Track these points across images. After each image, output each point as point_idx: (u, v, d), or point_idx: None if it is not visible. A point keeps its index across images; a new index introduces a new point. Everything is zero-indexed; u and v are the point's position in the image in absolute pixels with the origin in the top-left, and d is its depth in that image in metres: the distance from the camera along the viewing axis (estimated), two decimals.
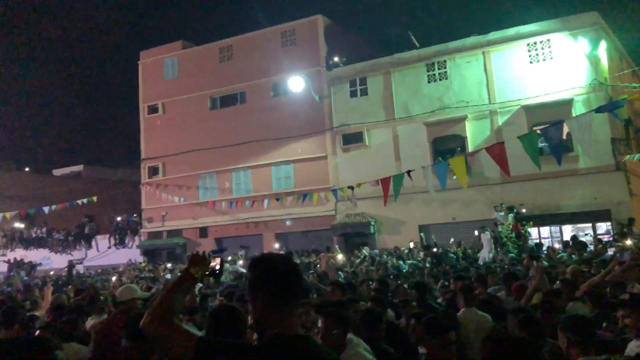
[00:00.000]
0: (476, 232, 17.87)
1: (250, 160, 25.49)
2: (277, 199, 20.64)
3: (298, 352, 1.86)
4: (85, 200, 24.46)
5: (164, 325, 1.95)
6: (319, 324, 3.57)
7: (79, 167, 41.23)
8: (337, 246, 19.67)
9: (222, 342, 1.98)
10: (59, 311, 6.17)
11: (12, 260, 27.42)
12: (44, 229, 31.16)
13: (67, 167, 41.84)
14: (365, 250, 19.04)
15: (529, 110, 19.74)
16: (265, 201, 21.29)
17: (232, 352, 1.84)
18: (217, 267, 2.23)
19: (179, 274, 2.21)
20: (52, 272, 24.39)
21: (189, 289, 2.22)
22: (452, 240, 18.60)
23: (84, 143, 65.40)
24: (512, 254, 15.26)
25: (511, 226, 17.18)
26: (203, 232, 26.82)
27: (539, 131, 10.26)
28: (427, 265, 13.98)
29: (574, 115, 16.69)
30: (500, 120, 20.67)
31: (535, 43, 20.40)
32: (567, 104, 18.96)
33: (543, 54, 20.28)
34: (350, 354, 3.42)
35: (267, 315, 1.93)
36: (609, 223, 18.42)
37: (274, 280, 1.93)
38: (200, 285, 11.33)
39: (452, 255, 15.85)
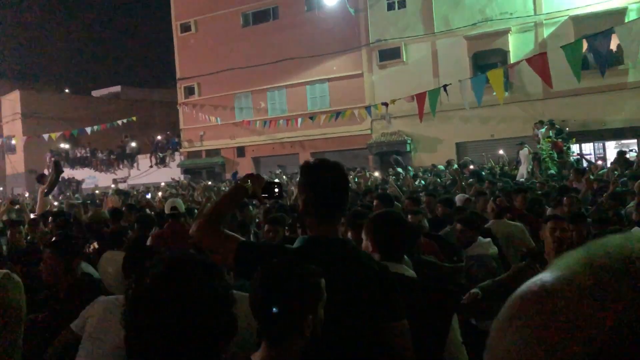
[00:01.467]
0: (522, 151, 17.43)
1: (285, 79, 25.20)
2: (311, 118, 20.58)
3: (335, 253, 1.90)
4: (125, 121, 25.08)
5: (210, 233, 2.00)
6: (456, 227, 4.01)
7: (117, 88, 41.72)
8: (371, 165, 19.69)
9: (262, 244, 2.02)
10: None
11: (60, 180, 28.63)
12: (88, 149, 32.23)
13: (106, 88, 42.42)
14: (400, 169, 19.00)
15: (578, 21, 18.56)
16: (299, 120, 21.28)
17: (272, 253, 1.87)
18: (276, 189, 2.23)
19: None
20: (97, 191, 25.37)
21: (239, 201, 2.27)
22: (488, 156, 18.24)
23: (120, 64, 65.75)
24: (551, 171, 14.99)
25: (552, 143, 16.71)
26: (240, 151, 27.21)
27: (585, 41, 9.73)
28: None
29: None
30: (545, 32, 19.58)
31: None
32: (620, 13, 17.71)
33: None
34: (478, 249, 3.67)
35: (310, 219, 1.99)
36: None
37: (315, 187, 1.96)
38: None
39: (488, 171, 15.62)
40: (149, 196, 15.43)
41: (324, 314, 1.68)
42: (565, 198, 6.18)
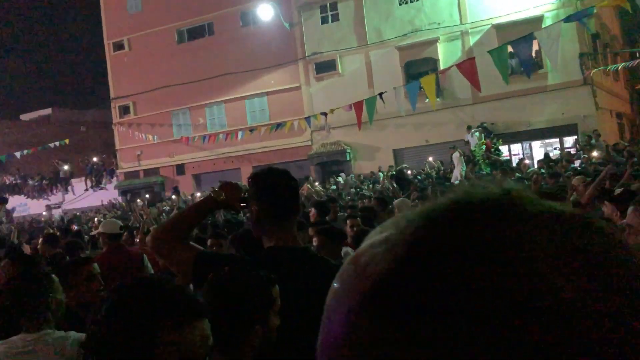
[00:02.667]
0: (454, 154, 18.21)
1: (223, 94, 25.14)
2: (251, 131, 20.64)
3: (294, 262, 1.89)
4: (57, 144, 24.12)
5: (167, 242, 1.97)
6: (314, 242, 3.65)
7: (47, 111, 40.11)
8: (310, 177, 19.96)
9: (219, 254, 2.01)
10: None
11: None
12: (17, 176, 30.77)
13: (35, 111, 40.71)
14: (342, 178, 19.39)
15: (500, 29, 19.66)
16: (240, 133, 21.26)
17: (229, 264, 1.84)
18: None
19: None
20: (29, 219, 24.32)
21: (207, 213, 2.19)
22: (424, 161, 18.90)
23: (50, 86, 63.31)
24: (484, 172, 15.75)
25: (484, 145, 17.59)
26: (180, 169, 26.81)
27: (509, 46, 10.39)
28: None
29: None
30: (471, 40, 20.62)
31: None
32: (538, 20, 18.90)
33: None
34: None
35: (264, 227, 1.97)
36: (575, 137, 18.96)
37: (269, 194, 1.95)
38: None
39: (422, 177, 16.21)
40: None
41: (283, 321, 1.67)
42: None
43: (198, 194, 20.61)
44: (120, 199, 26.46)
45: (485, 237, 0.35)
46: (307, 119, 18.51)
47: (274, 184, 1.96)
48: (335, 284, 0.40)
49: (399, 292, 0.34)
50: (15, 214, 27.77)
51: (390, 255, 0.36)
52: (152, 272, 4.89)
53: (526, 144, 20.64)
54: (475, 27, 20.54)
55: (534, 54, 16.39)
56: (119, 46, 27.81)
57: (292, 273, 1.83)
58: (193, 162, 26.25)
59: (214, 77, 24.81)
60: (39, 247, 6.44)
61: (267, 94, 24.48)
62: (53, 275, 2.48)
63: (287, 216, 1.96)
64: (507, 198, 0.38)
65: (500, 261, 0.34)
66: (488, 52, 10.01)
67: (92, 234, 6.30)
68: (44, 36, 66.35)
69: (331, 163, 22.89)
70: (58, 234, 8.58)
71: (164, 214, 13.90)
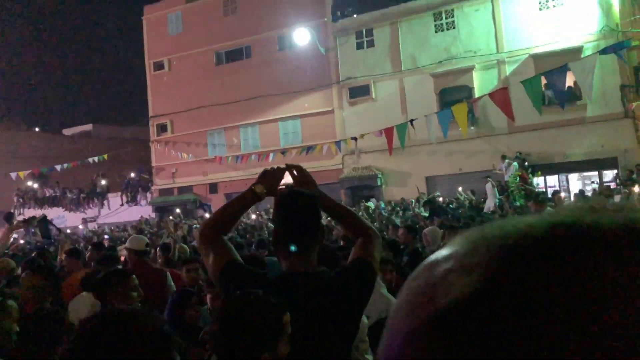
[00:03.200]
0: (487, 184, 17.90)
1: (257, 115, 25.49)
2: (282, 153, 20.79)
3: (307, 289, 1.87)
4: (96, 159, 24.85)
5: (210, 238, 1.98)
6: None
7: (88, 126, 41.46)
8: (344, 200, 19.91)
9: (246, 268, 1.98)
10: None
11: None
12: (57, 188, 31.71)
13: (77, 126, 42.12)
14: (372, 203, 19.25)
15: (538, 58, 19.40)
16: (271, 155, 21.46)
17: (249, 279, 1.89)
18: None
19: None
20: (68, 230, 24.88)
21: (248, 206, 2.19)
22: (459, 189, 18.60)
23: (92, 102, 65.58)
24: (518, 203, 15.39)
25: (518, 175, 17.22)
26: (213, 188, 27.15)
27: (544, 77, 10.24)
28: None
29: None
30: (508, 70, 20.39)
31: None
32: (577, 51, 18.59)
33: (553, 0, 19.79)
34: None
35: (280, 250, 1.97)
36: (615, 171, 18.38)
37: (286, 216, 1.94)
38: None
39: (453, 205, 15.95)
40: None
41: (295, 348, 1.65)
42: None
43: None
44: (153, 215, 26.91)
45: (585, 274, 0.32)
46: (338, 142, 18.57)
47: (294, 207, 1.93)
48: (400, 299, 0.38)
49: (472, 320, 0.32)
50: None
51: (469, 279, 0.34)
52: (175, 290, 4.90)
53: (563, 176, 20.13)
54: (512, 57, 20.33)
55: (572, 85, 16.13)
56: (159, 66, 28.61)
57: (304, 300, 1.82)
58: (225, 181, 26.55)
59: (250, 99, 25.20)
60: (62, 260, 6.52)
61: (301, 116, 24.69)
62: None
63: (303, 240, 1.92)
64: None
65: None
66: (522, 82, 9.89)
67: (119, 248, 6.33)
68: (88, 54, 68.99)
69: (362, 187, 22.78)
70: (82, 247, 8.75)
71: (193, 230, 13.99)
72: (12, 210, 14.13)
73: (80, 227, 26.13)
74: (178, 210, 24.42)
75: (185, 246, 8.15)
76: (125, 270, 3.33)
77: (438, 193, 18.97)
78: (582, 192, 15.60)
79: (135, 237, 6.03)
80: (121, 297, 2.76)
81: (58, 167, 23.45)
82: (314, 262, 1.96)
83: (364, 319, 3.05)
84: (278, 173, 2.12)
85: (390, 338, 0.37)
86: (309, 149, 18.54)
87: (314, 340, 1.80)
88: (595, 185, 17.33)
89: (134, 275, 3.03)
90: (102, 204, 30.36)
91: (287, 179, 2.20)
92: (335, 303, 1.87)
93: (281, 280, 1.93)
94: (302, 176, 2.14)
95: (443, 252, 0.39)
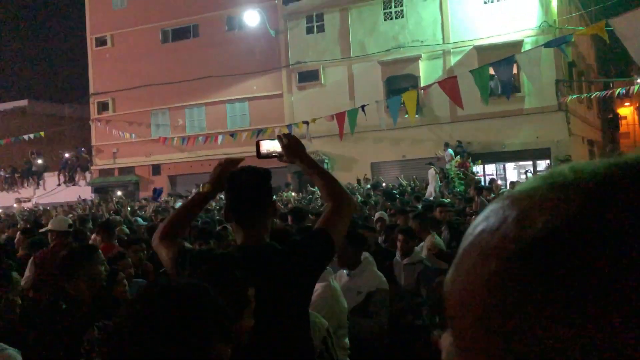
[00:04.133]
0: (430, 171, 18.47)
1: (204, 96, 25.09)
2: (232, 135, 20.61)
3: (261, 260, 1.96)
4: (32, 136, 23.67)
5: (164, 241, 2.05)
6: None
7: (23, 102, 39.33)
8: (290, 185, 20.06)
9: (200, 250, 2.05)
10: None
11: None
12: None
13: (11, 102, 39.89)
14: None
15: (481, 50, 20.11)
16: (220, 137, 21.23)
17: (202, 259, 1.95)
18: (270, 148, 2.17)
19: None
20: None
21: (198, 207, 2.23)
22: (401, 175, 19.14)
23: (28, 77, 62.20)
24: (458, 190, 16.04)
25: (459, 163, 17.92)
26: (156, 169, 26.58)
27: (491, 68, 10.69)
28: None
29: None
30: (453, 60, 21.03)
31: None
32: (517, 45, 19.38)
33: None
34: (364, 269, 3.78)
35: (235, 226, 2.07)
36: (548, 161, 19.44)
37: (236, 192, 2.02)
38: None
39: (396, 191, 16.41)
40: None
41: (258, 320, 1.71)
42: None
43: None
44: (93, 196, 26.08)
45: None
46: (289, 126, 18.62)
47: (242, 183, 2.01)
48: (481, 225, 0.38)
49: (557, 255, 0.32)
50: None
51: (564, 205, 0.34)
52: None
53: (500, 165, 21.08)
54: (457, 47, 20.97)
55: (512, 77, 16.86)
56: (101, 42, 27.55)
57: (261, 272, 1.88)
58: (170, 162, 26.06)
59: (196, 79, 24.75)
60: (16, 239, 6.33)
61: (249, 99, 24.51)
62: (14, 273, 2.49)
63: (251, 217, 2.00)
64: None
65: None
66: (470, 71, 10.27)
67: (41, 230, 6.18)
68: (25, 26, 65.30)
69: None
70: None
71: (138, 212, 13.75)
72: None
73: (15, 206, 24.98)
74: (119, 193, 23.79)
75: (125, 227, 8.05)
76: (92, 246, 3.33)
77: (381, 178, 19.44)
78: (515, 181, 16.45)
79: (58, 219, 5.94)
80: (88, 273, 2.79)
81: None
82: (265, 236, 2.03)
83: (343, 306, 3.21)
84: (226, 166, 2.13)
85: (467, 267, 0.37)
86: (259, 132, 18.49)
87: (268, 312, 1.84)
88: (530, 175, 18.26)
89: (99, 250, 3.04)
90: (38, 184, 29.12)
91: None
92: (283, 276, 1.93)
93: (238, 254, 2.01)
94: (291, 142, 2.16)
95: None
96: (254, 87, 24.32)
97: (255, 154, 2.19)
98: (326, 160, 22.64)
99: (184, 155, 25.28)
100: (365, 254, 3.90)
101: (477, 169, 19.44)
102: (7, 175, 29.41)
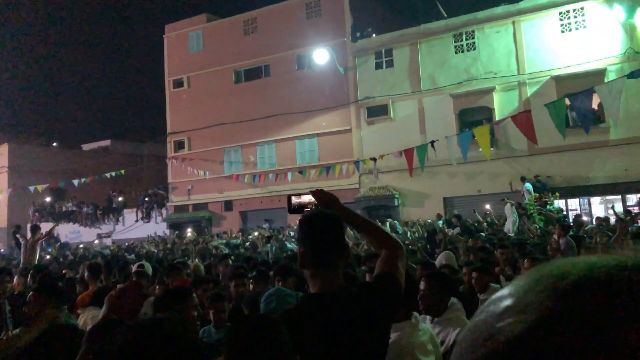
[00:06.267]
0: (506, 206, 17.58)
1: (275, 134, 25.50)
2: (300, 172, 20.69)
3: (336, 308, 1.90)
4: (113, 174, 24.96)
5: None
6: (421, 286, 3.47)
7: (106, 142, 41.84)
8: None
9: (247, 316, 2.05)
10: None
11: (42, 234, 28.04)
12: (74, 203, 31.91)
13: (95, 142, 42.55)
14: (388, 223, 19.00)
15: (560, 80, 19.21)
16: (289, 174, 21.38)
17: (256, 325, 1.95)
18: None
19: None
20: (81, 245, 24.94)
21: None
22: (475, 211, 18.31)
23: (111, 118, 66.36)
24: (538, 226, 15.05)
25: (535, 197, 16.93)
26: (228, 205, 27.09)
27: (567, 100, 10.04)
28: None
29: None
30: (529, 91, 20.20)
31: (567, 11, 19.76)
32: (600, 74, 18.37)
33: (576, 22, 19.64)
34: (450, 316, 3.43)
35: (307, 269, 1.99)
36: (639, 195, 17.97)
37: (313, 239, 1.97)
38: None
39: (476, 225, 15.65)
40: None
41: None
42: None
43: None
44: (168, 232, 26.88)
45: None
46: (356, 163, 18.45)
47: (318, 228, 1.98)
48: (464, 332, 0.42)
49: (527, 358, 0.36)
50: (70, 241, 28.66)
51: (525, 320, 0.37)
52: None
53: (584, 200, 19.72)
54: (534, 78, 20.14)
55: (596, 107, 15.86)
56: (178, 83, 28.87)
57: (335, 319, 1.86)
58: (241, 199, 26.50)
59: (268, 117, 25.26)
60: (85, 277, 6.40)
61: (318, 135, 24.64)
62: None
63: (329, 262, 1.97)
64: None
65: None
66: (545, 105, 9.70)
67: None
68: (108, 71, 70.06)
69: (378, 207, 22.56)
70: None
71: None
72: (36, 224, 14.11)
73: (96, 242, 26.17)
74: (189, 230, 24.36)
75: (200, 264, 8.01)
76: (185, 288, 3.22)
77: (459, 214, 18.66)
78: (603, 217, 15.21)
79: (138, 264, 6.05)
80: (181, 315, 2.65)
81: (75, 182, 23.54)
82: (341, 281, 2.00)
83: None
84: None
85: None
86: (327, 169, 18.40)
87: (347, 356, 1.84)
88: (619, 210, 16.91)
89: (194, 294, 2.91)
90: (117, 220, 30.45)
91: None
92: (364, 319, 1.91)
93: (311, 302, 1.97)
94: (325, 197, 2.19)
95: (505, 290, 0.42)
96: (322, 124, 24.45)
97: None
98: (396, 196, 22.16)
99: (255, 191, 25.62)
100: (453, 300, 3.54)
101: (559, 203, 18.25)
102: (90, 212, 31.00)
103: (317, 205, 2.14)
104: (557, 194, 17.99)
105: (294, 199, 2.17)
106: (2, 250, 24.35)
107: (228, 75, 27.26)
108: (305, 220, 2.03)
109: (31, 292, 3.24)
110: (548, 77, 19.73)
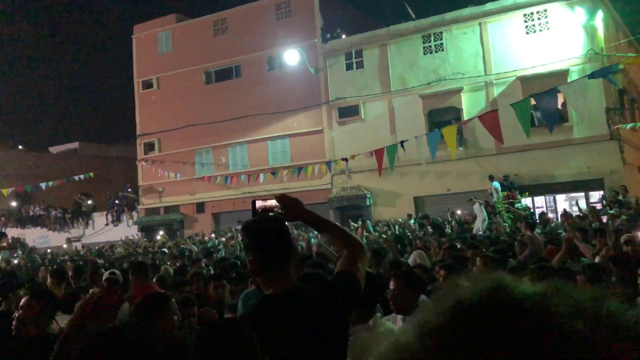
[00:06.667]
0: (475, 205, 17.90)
1: (246, 135, 25.43)
2: (273, 173, 20.71)
3: (292, 306, 1.94)
4: (82, 177, 24.46)
5: None
6: (390, 285, 3.50)
7: (74, 144, 41.01)
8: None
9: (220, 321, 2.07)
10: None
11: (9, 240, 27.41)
12: (41, 207, 31.21)
13: (63, 144, 41.67)
14: (359, 222, 19.16)
15: (525, 81, 19.67)
16: (261, 176, 21.37)
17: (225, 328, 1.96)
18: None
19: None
20: (49, 250, 24.41)
21: None
22: (447, 210, 18.64)
23: (79, 120, 64.99)
24: (506, 224, 15.40)
25: (506, 195, 17.31)
26: (200, 207, 26.90)
27: (533, 99, 10.33)
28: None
29: None
30: (496, 91, 20.62)
31: (532, 13, 20.23)
32: (563, 74, 18.86)
33: (540, 24, 20.13)
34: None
35: (260, 275, 2.04)
36: (602, 192, 18.55)
37: (262, 245, 2.01)
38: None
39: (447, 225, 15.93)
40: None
41: None
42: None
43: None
44: (138, 235, 26.55)
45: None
46: (328, 163, 18.57)
47: (268, 232, 2.01)
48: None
49: None
50: (38, 246, 28.06)
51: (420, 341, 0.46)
52: None
53: (550, 197, 20.25)
54: (500, 79, 20.57)
55: (559, 107, 16.31)
56: (147, 84, 28.53)
57: (293, 318, 1.89)
58: (213, 200, 26.34)
59: (239, 117, 25.18)
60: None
61: (290, 136, 24.67)
62: None
63: (279, 266, 2.00)
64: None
65: None
66: (512, 105, 9.95)
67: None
68: (75, 72, 68.67)
69: (350, 207, 22.74)
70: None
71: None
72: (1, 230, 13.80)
73: (64, 246, 25.66)
74: (161, 232, 24.13)
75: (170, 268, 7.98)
76: (164, 294, 3.21)
77: (427, 213, 18.95)
78: (565, 211, 15.67)
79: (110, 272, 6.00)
80: (161, 321, 2.65)
81: (43, 185, 23.02)
82: (293, 282, 2.05)
83: None
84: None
85: None
86: (300, 170, 18.46)
87: (309, 356, 1.87)
88: (582, 206, 17.41)
89: (173, 299, 2.93)
90: (87, 224, 29.93)
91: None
92: (323, 317, 1.95)
93: (267, 303, 1.99)
94: (288, 201, 2.19)
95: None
96: (294, 124, 24.50)
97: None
98: (368, 195, 22.36)
99: (228, 193, 25.51)
100: (423, 297, 3.57)
101: (526, 201, 18.71)
102: (58, 215, 30.38)
103: (281, 210, 2.16)
104: (527, 193, 18.46)
105: (259, 203, 2.17)
106: None
107: (198, 76, 27.07)
108: (249, 227, 2.05)
109: (26, 297, 3.20)
110: (514, 78, 20.18)
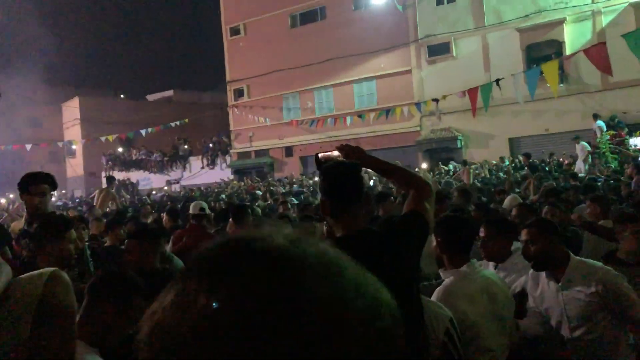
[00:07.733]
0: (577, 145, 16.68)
1: (332, 78, 25.21)
2: (360, 116, 20.48)
3: (363, 246, 1.95)
4: (177, 123, 25.75)
5: None
6: (480, 232, 3.35)
7: (169, 92, 42.87)
8: (421, 165, 19.42)
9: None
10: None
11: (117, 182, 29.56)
12: (142, 152, 33.27)
13: (159, 92, 43.67)
14: (451, 165, 18.68)
15: (639, 7, 17.69)
16: (348, 119, 21.22)
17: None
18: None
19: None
20: (153, 192, 26.08)
21: None
22: (542, 151, 17.60)
23: (173, 69, 67.56)
24: (611, 165, 14.35)
25: (612, 135, 16.01)
26: (289, 151, 27.43)
27: None
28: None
29: None
30: (604, 21, 18.77)
31: None
32: None
33: None
34: (515, 262, 3.31)
35: (333, 219, 2.08)
36: None
37: (335, 188, 2.07)
38: None
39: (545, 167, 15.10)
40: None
41: None
42: None
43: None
44: (232, 177, 27.66)
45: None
46: (417, 104, 18.02)
47: (336, 179, 2.07)
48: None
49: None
50: (139, 187, 30.17)
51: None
52: None
53: None
54: (609, 6, 18.65)
55: None
56: (235, 31, 28.84)
57: (361, 260, 1.80)
58: (301, 144, 26.70)
59: (324, 61, 24.92)
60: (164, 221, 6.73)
61: (376, 77, 24.15)
62: None
63: (347, 209, 2.05)
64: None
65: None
66: (622, 35, 8.99)
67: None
68: (168, 23, 70.85)
69: (440, 150, 22.14)
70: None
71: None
72: (110, 174, 14.83)
73: (165, 188, 27.35)
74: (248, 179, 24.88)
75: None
76: (67, 219, 3.12)
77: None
78: None
79: (194, 203, 6.22)
80: (57, 248, 2.67)
81: (143, 132, 24.44)
82: (361, 225, 2.07)
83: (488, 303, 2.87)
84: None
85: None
86: (387, 112, 18.09)
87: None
88: None
89: (72, 229, 2.86)
90: (184, 167, 31.57)
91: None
92: (391, 258, 1.97)
93: (337, 245, 1.90)
94: (351, 150, 2.26)
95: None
96: (381, 65, 23.88)
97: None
98: (459, 137, 21.62)
99: (315, 137, 25.70)
100: (517, 244, 3.38)
101: (636, 141, 17.20)
102: (158, 159, 32.27)
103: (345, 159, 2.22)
104: (638, 132, 16.90)
105: (321, 155, 2.24)
106: (80, 197, 25.91)
107: (284, 20, 26.92)
108: (326, 171, 2.11)
109: (129, 240, 3.37)
110: (626, 4, 18.21)
